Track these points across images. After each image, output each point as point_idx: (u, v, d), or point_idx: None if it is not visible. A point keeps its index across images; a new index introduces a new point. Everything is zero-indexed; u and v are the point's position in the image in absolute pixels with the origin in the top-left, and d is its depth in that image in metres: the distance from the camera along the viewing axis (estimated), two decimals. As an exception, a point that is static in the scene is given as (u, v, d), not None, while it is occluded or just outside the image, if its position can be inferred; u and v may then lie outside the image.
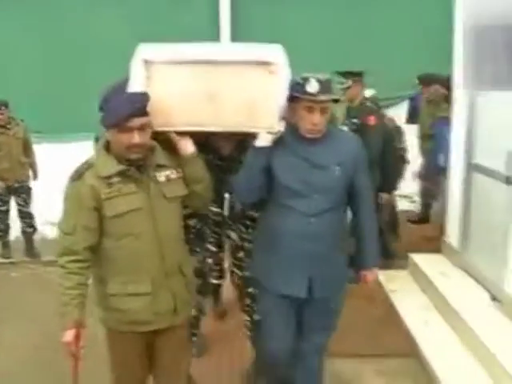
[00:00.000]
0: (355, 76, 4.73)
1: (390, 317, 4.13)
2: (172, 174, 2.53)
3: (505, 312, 3.60)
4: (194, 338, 3.63)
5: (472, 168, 4.37)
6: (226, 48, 2.69)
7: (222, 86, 2.57)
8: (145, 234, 2.42)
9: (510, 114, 3.79)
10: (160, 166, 2.50)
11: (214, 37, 6.61)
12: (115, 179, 2.38)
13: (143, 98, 2.40)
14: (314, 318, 2.75)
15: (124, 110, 2.30)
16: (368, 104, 4.80)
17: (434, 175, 5.46)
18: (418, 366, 3.53)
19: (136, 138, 2.33)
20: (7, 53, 6.81)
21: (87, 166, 2.43)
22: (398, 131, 5.42)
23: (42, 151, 6.06)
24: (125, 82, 2.52)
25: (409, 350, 3.70)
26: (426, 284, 4.46)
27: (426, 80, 5.87)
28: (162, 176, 2.49)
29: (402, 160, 5.46)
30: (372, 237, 2.81)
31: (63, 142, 6.66)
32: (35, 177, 5.97)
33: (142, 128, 2.34)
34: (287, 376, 2.92)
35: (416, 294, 4.47)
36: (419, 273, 4.64)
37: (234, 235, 3.31)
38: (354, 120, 4.67)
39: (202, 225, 3.26)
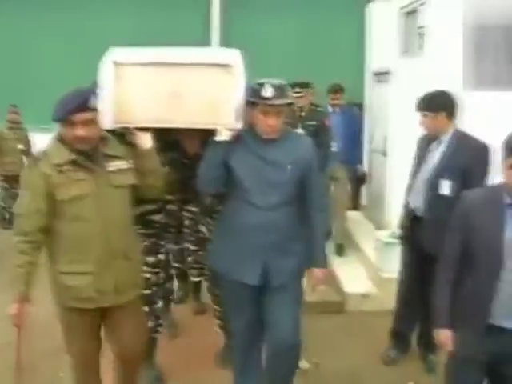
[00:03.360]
0: (306, 87, 5.25)
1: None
2: (123, 164, 2.65)
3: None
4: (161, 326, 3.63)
5: (372, 151, 6.56)
6: (189, 51, 2.85)
7: (185, 86, 2.72)
8: (92, 218, 2.54)
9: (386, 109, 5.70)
10: (111, 157, 2.61)
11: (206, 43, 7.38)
12: (66, 167, 2.50)
13: (85, 95, 2.49)
14: (274, 306, 2.81)
15: (66, 106, 2.43)
16: (319, 109, 5.50)
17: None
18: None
19: (79, 131, 2.44)
20: (33, 53, 7.96)
21: (42, 154, 2.57)
22: None
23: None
24: (92, 84, 2.72)
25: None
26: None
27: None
28: (111, 166, 2.60)
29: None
30: (320, 235, 2.95)
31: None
32: None
33: (85, 123, 2.45)
34: (252, 358, 3.07)
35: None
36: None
37: (203, 228, 3.44)
38: (311, 123, 5.14)
39: (167, 219, 3.36)
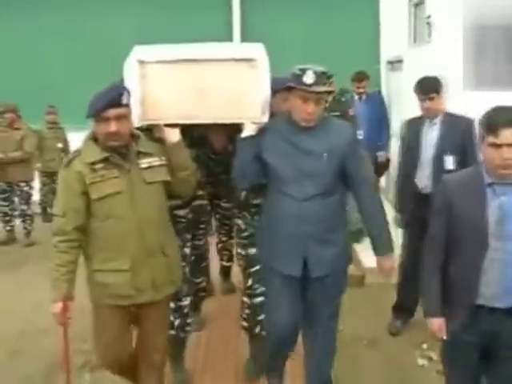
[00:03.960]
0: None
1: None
2: (155, 161, 2.65)
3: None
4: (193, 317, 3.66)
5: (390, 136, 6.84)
6: (212, 47, 2.82)
7: (209, 81, 2.71)
8: (126, 215, 2.54)
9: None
10: (143, 154, 2.62)
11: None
12: (99, 165, 2.51)
13: (119, 90, 2.50)
14: (316, 297, 2.79)
15: (100, 101, 2.44)
16: (343, 99, 5.50)
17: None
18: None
19: (112, 127, 2.45)
20: (52, 55, 8.45)
21: (76, 154, 2.58)
22: None
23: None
24: (119, 81, 2.69)
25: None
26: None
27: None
28: (144, 163, 2.61)
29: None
30: (378, 222, 2.76)
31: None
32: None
33: (118, 118, 2.45)
34: (286, 355, 3.07)
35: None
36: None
37: (240, 222, 3.36)
38: (334, 113, 4.83)
39: (194, 214, 3.33)
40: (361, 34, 8.09)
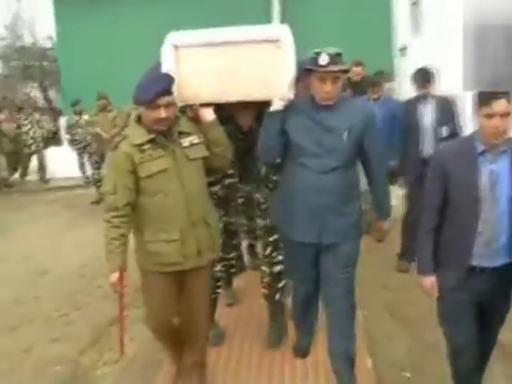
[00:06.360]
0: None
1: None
2: (195, 139, 2.80)
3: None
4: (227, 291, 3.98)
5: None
6: (239, 30, 2.89)
7: (239, 62, 2.82)
8: (173, 191, 2.70)
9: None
10: (184, 133, 2.77)
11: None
12: (146, 146, 2.67)
13: (168, 79, 2.67)
14: (328, 265, 2.90)
15: (152, 89, 2.57)
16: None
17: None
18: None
19: (162, 113, 2.61)
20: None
21: (122, 137, 2.72)
22: None
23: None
24: (157, 65, 2.82)
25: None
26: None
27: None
28: (186, 141, 2.76)
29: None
30: (382, 191, 2.94)
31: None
32: None
33: (167, 105, 2.61)
34: (310, 313, 3.15)
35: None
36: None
37: (258, 195, 3.42)
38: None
39: (225, 192, 3.39)
40: (377, 25, 8.90)
